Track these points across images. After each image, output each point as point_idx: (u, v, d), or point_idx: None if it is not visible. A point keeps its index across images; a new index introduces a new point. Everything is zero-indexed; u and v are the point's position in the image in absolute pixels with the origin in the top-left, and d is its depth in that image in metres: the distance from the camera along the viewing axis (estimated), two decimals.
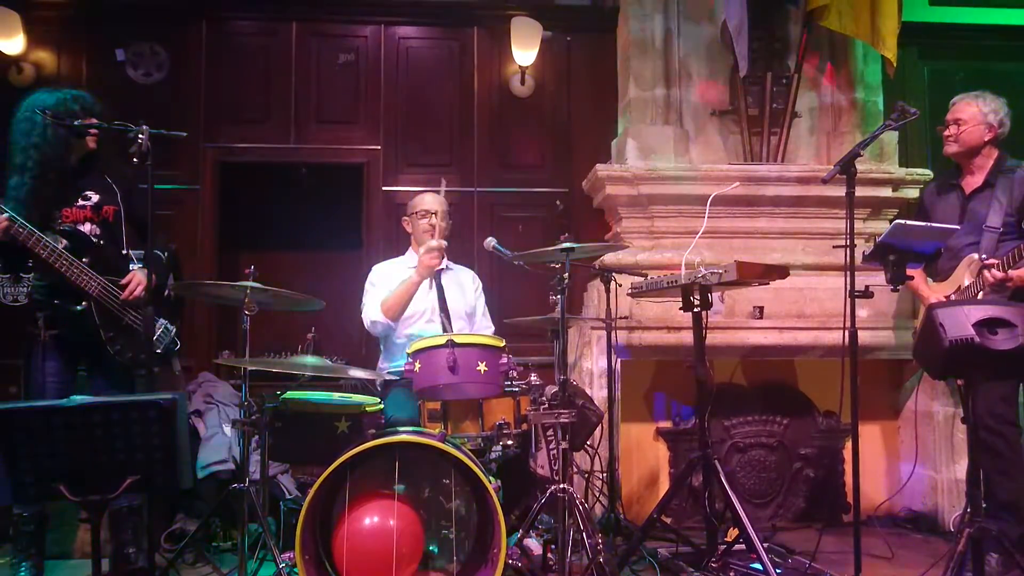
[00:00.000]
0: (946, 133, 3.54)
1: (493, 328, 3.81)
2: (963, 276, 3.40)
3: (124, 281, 3.07)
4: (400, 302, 3.52)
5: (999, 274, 3.20)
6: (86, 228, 3.07)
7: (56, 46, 4.87)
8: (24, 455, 1.97)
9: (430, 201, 3.72)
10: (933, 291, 3.55)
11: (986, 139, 3.47)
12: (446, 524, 2.75)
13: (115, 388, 3.06)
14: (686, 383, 4.25)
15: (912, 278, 3.42)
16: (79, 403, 1.98)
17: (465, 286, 3.83)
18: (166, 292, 3.22)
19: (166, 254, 3.23)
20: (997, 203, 3.40)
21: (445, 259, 3.75)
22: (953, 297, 3.42)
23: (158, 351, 3.13)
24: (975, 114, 3.47)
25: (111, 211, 3.12)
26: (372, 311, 3.58)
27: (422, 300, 3.63)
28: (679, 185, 4.34)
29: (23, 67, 4.75)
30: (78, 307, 2.99)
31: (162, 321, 3.21)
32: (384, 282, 3.67)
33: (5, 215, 2.82)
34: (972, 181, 3.53)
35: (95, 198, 3.10)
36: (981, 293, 3.27)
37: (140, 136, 2.62)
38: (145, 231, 3.16)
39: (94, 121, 3.00)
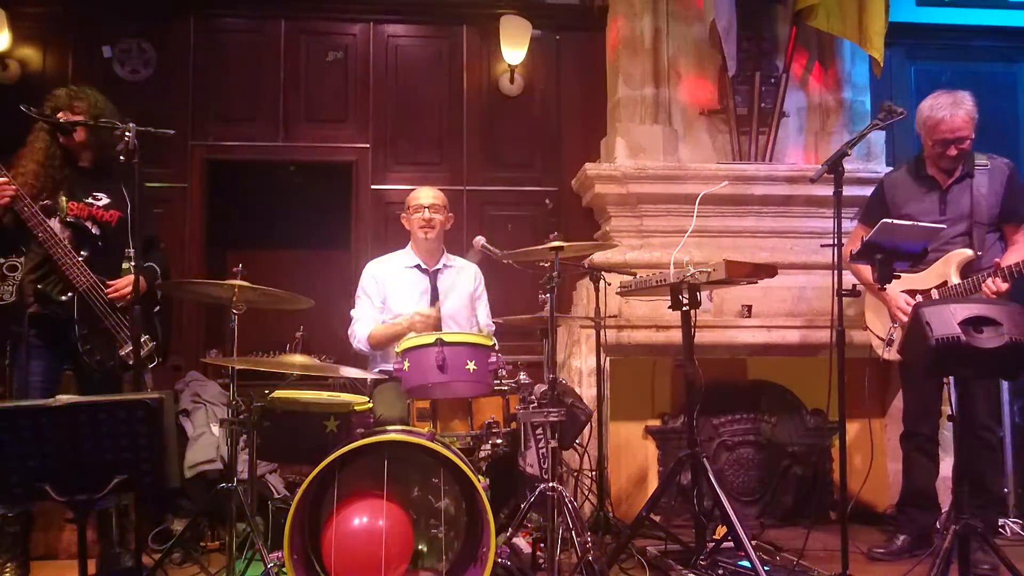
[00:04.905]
0: (952, 152, 3.37)
1: (493, 327, 3.79)
2: (949, 272, 3.34)
3: (113, 282, 3.07)
4: (389, 342, 3.52)
5: (1003, 285, 3.14)
6: (89, 226, 3.08)
7: (42, 43, 4.84)
8: (9, 455, 1.95)
9: (423, 196, 3.69)
10: (906, 284, 3.43)
11: (973, 136, 3.43)
12: (435, 523, 2.75)
13: (90, 391, 3.02)
14: (675, 382, 4.28)
15: (899, 277, 3.44)
16: (65, 402, 1.96)
17: (464, 286, 3.78)
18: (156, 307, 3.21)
19: (160, 258, 3.24)
20: (980, 195, 3.37)
21: (444, 256, 3.74)
22: (935, 294, 3.36)
23: (129, 363, 3.06)
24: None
25: (116, 216, 3.13)
26: (360, 339, 3.56)
27: (415, 303, 3.62)
28: (668, 184, 4.35)
29: (8, 64, 4.72)
30: (63, 297, 2.99)
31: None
32: (376, 289, 3.65)
33: (14, 186, 2.87)
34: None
35: (104, 200, 3.12)
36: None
37: (127, 134, 2.61)
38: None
39: (63, 118, 2.98)
